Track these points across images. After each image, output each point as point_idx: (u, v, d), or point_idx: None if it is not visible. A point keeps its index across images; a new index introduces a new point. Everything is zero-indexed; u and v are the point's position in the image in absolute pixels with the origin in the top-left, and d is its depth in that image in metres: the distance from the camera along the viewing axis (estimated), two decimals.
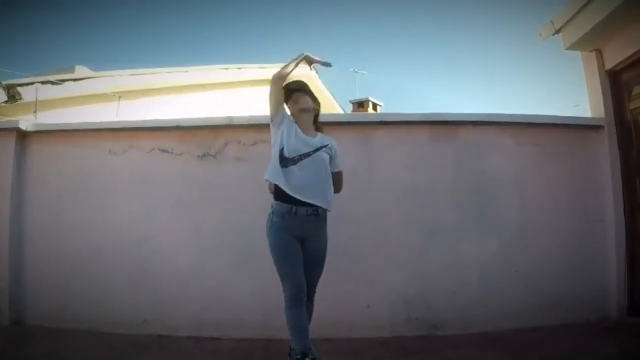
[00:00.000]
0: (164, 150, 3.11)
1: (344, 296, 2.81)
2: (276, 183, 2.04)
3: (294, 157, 2.02)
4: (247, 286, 2.89)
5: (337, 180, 2.22)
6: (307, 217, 2.02)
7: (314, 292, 2.15)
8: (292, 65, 2.17)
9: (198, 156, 3.08)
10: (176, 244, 2.99)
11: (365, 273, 2.90)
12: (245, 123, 3.10)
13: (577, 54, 3.44)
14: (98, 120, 3.34)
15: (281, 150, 2.03)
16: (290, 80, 2.23)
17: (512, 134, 3.11)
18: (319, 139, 2.16)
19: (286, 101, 2.19)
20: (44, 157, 3.21)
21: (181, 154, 3.10)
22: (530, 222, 3.04)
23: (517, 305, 2.90)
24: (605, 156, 3.12)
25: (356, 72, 9.26)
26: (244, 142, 3.06)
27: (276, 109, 2.13)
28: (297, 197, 1.99)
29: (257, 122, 3.07)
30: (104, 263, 3.02)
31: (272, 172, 2.06)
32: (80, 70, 5.15)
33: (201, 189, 3.05)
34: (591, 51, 3.30)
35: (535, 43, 3.66)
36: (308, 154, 2.05)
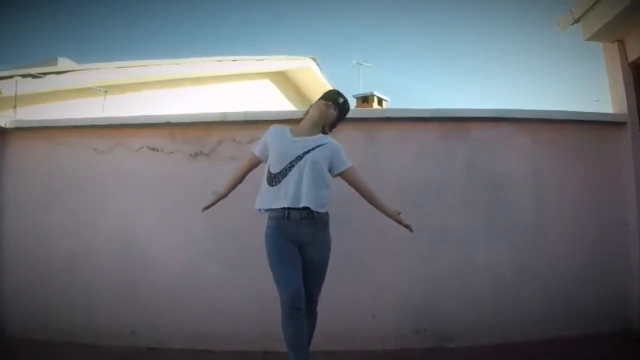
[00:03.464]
0: (153, 149, 3.12)
1: (347, 306, 2.81)
2: (267, 208, 2.11)
3: (281, 170, 2.07)
4: (243, 295, 2.90)
5: (353, 180, 2.21)
6: (301, 221, 2.04)
7: (315, 303, 2.14)
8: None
9: (190, 155, 3.09)
10: (166, 250, 2.99)
11: (370, 281, 2.90)
12: (240, 120, 3.11)
13: (598, 45, 3.44)
14: (82, 117, 3.34)
15: (268, 171, 2.12)
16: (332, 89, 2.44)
17: (527, 131, 3.11)
18: (315, 138, 2.17)
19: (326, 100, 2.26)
20: (24, 156, 3.22)
21: (172, 152, 3.10)
22: (547, 226, 3.04)
23: (533, 316, 2.90)
24: (628, 155, 3.11)
25: (360, 64, 9.25)
26: (240, 140, 3.07)
27: (260, 161, 2.28)
28: (285, 205, 2.04)
29: (253, 119, 3.08)
30: (89, 269, 3.02)
31: (261, 198, 2.14)
32: (64, 63, 5.13)
33: (193, 190, 3.04)
34: (613, 42, 3.30)
35: (553, 34, 3.66)
36: (299, 158, 2.07)
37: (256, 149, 2.27)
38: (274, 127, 2.25)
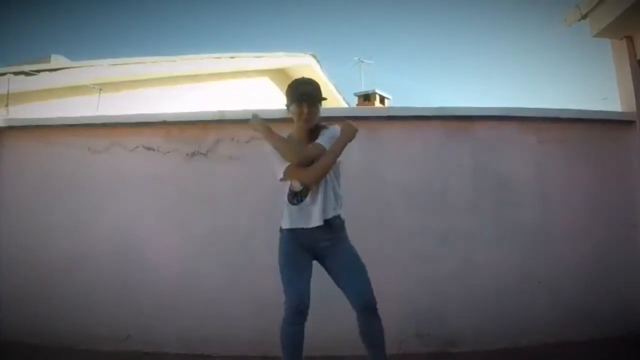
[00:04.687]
0: (149, 148, 3.12)
1: (348, 309, 2.80)
2: (292, 228, 2.05)
3: (302, 189, 2.01)
4: (241, 299, 2.89)
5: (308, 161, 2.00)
6: (317, 229, 2.01)
7: (373, 302, 2.03)
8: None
9: (187, 155, 3.09)
10: (163, 252, 2.99)
11: (372, 284, 2.90)
12: (239, 118, 3.10)
13: (606, 42, 3.44)
14: (77, 115, 3.34)
15: (289, 188, 2.05)
16: (300, 77, 2.17)
17: (532, 130, 3.11)
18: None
19: (289, 103, 2.07)
20: (16, 155, 3.22)
21: (168, 152, 3.10)
22: (553, 228, 3.04)
23: (539, 320, 2.90)
24: (636, 154, 3.11)
25: (362, 61, 9.25)
26: (238, 139, 3.07)
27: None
28: (310, 226, 2.00)
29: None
30: (83, 272, 3.02)
31: (286, 218, 2.08)
32: (57, 60, 5.15)
33: (190, 191, 3.05)
34: (621, 39, 3.29)
35: (558, 32, 3.66)
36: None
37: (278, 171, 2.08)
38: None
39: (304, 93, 2.04)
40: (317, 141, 2.01)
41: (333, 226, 2.03)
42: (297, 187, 2.02)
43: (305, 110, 2.01)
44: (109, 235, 3.05)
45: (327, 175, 2.03)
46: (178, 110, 3.31)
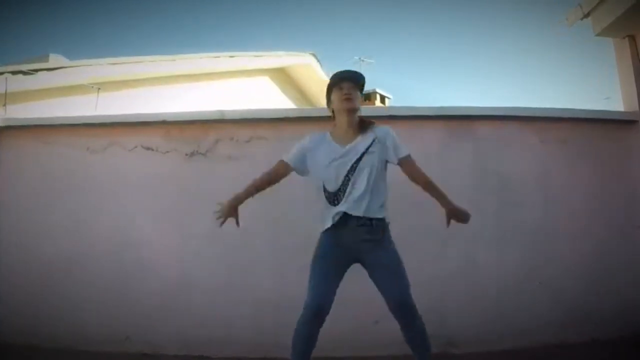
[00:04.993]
0: (148, 148, 3.11)
1: (349, 311, 2.80)
2: (327, 226, 2.00)
3: (340, 186, 1.97)
4: (241, 299, 2.89)
5: (411, 169, 2.07)
6: (358, 228, 1.97)
7: (412, 307, 2.04)
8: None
9: (186, 154, 3.09)
10: (162, 253, 2.99)
11: (372, 285, 2.89)
12: (238, 118, 3.10)
13: (608, 40, 3.44)
14: (75, 115, 3.34)
15: (324, 190, 2.01)
16: (342, 70, 2.12)
17: (534, 130, 3.11)
18: (360, 142, 2.02)
19: (331, 90, 2.09)
20: (14, 155, 3.21)
21: (167, 152, 3.10)
22: (555, 228, 3.04)
23: (541, 320, 2.90)
24: (639, 154, 3.11)
25: (362, 60, 9.22)
26: (238, 138, 3.06)
27: (291, 172, 2.13)
28: (344, 210, 1.95)
29: (251, 117, 3.08)
30: (82, 273, 3.01)
31: (323, 216, 2.03)
32: (55, 59, 5.14)
33: (189, 191, 3.04)
34: (624, 37, 3.30)
35: (560, 31, 3.66)
36: (353, 169, 1.96)
37: (290, 157, 2.11)
38: (314, 136, 2.11)
39: (343, 74, 2.04)
40: (403, 152, 2.06)
41: (375, 227, 1.98)
42: (334, 187, 1.98)
43: (345, 89, 2.00)
44: (108, 236, 3.05)
45: (375, 170, 1.99)
46: (177, 110, 3.31)
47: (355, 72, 2.10)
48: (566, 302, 2.94)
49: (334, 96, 2.06)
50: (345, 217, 1.96)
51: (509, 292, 2.93)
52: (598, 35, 3.34)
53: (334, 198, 1.99)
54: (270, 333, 2.81)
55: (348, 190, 1.96)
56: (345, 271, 2.04)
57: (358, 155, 1.98)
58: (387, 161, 2.07)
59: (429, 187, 2.08)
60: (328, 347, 2.56)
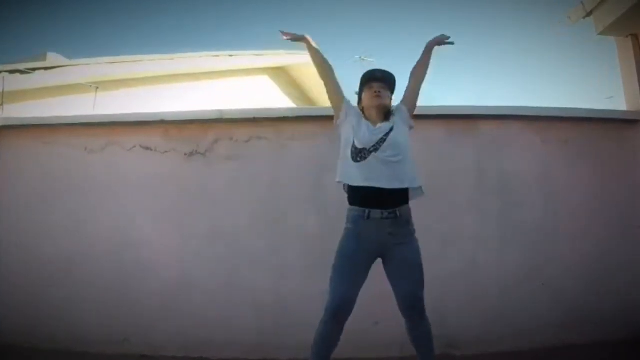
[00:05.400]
0: (146, 148, 3.11)
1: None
2: (349, 183, 2.03)
3: (369, 147, 2.01)
4: (241, 300, 2.89)
5: (410, 92, 2.24)
6: (383, 221, 1.97)
7: (417, 303, 2.10)
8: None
9: (185, 154, 3.08)
10: (161, 253, 2.99)
11: (373, 285, 2.89)
12: (238, 117, 3.10)
13: (611, 39, 3.43)
14: (73, 114, 3.34)
15: (353, 143, 2.04)
16: (374, 69, 2.24)
17: (536, 129, 3.11)
18: (387, 123, 2.12)
19: (361, 89, 2.22)
20: (12, 155, 3.21)
21: (166, 152, 3.10)
22: (557, 229, 3.03)
23: (543, 322, 2.90)
24: None
25: (363, 59, 9.21)
26: (237, 138, 3.06)
27: (337, 103, 2.21)
28: (373, 184, 1.96)
29: (251, 116, 3.08)
30: (80, 274, 3.01)
31: (343, 172, 2.05)
32: (53, 58, 5.14)
33: (188, 191, 3.04)
34: (626, 36, 3.29)
35: (564, 28, 3.66)
36: (382, 140, 2.02)
37: (346, 102, 2.21)
38: (357, 108, 2.22)
39: (375, 74, 2.17)
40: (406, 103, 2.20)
41: (400, 217, 2.00)
42: (366, 142, 2.02)
43: (375, 87, 2.13)
44: (107, 236, 3.05)
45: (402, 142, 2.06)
46: (176, 109, 3.31)
47: (386, 72, 2.20)
48: (567, 302, 2.94)
49: (364, 94, 2.18)
50: (371, 207, 1.97)
51: (511, 292, 2.93)
52: (600, 34, 3.34)
53: (359, 153, 2.02)
54: (270, 334, 2.82)
55: (376, 157, 2.00)
56: (370, 268, 2.05)
57: (386, 132, 2.05)
58: (408, 123, 2.19)
59: (419, 64, 2.27)
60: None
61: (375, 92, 2.12)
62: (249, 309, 2.87)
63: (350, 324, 2.78)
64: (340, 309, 1.94)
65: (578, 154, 3.12)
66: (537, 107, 3.12)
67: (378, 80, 2.16)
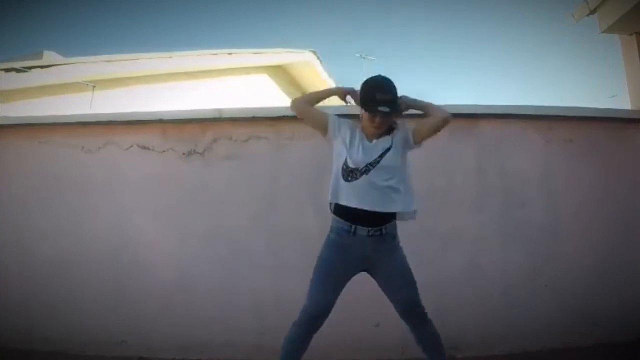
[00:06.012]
0: (144, 148, 3.11)
1: (349, 314, 2.79)
2: (337, 202, 1.99)
3: (362, 168, 1.96)
4: (240, 302, 2.89)
5: (422, 128, 2.08)
6: (368, 239, 1.97)
7: (422, 308, 2.11)
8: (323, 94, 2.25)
9: (183, 154, 3.08)
10: (159, 255, 2.98)
11: (373, 287, 2.89)
12: (237, 117, 3.10)
13: (615, 38, 3.43)
14: (69, 114, 3.34)
15: (345, 161, 2.00)
16: (380, 79, 2.07)
17: (539, 129, 3.10)
18: (386, 140, 2.04)
19: (363, 104, 2.04)
20: (7, 155, 3.21)
21: (164, 151, 3.10)
22: (561, 230, 3.03)
23: (546, 324, 2.89)
24: None
25: (363, 58, 9.22)
26: (236, 138, 3.06)
27: (322, 127, 2.11)
28: (364, 208, 1.93)
29: (250, 116, 3.07)
30: (77, 275, 3.01)
31: (335, 193, 2.00)
32: (50, 57, 5.15)
33: (187, 191, 3.04)
34: (631, 34, 3.29)
35: (567, 27, 3.65)
36: (376, 162, 1.97)
37: (332, 116, 2.13)
38: (349, 122, 2.13)
39: (380, 107, 1.95)
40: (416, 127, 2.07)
41: (386, 235, 2.00)
42: (358, 163, 1.97)
43: (378, 122, 2.00)
44: (104, 237, 3.04)
45: (396, 165, 2.00)
46: (174, 109, 3.30)
47: (392, 98, 2.00)
48: (569, 303, 2.94)
49: (365, 113, 2.04)
50: (358, 224, 1.95)
51: (514, 294, 2.93)
52: (604, 32, 3.34)
53: (350, 173, 1.97)
54: (269, 336, 2.81)
55: (369, 178, 1.95)
56: (350, 279, 2.04)
57: (382, 153, 1.99)
58: (409, 146, 2.09)
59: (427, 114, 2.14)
60: (329, 352, 2.57)
61: (377, 124, 2.00)
62: (249, 311, 2.87)
63: (351, 326, 2.80)
64: (316, 315, 1.96)
65: (581, 154, 3.11)
66: (539, 106, 3.12)
67: (383, 115, 1.98)
